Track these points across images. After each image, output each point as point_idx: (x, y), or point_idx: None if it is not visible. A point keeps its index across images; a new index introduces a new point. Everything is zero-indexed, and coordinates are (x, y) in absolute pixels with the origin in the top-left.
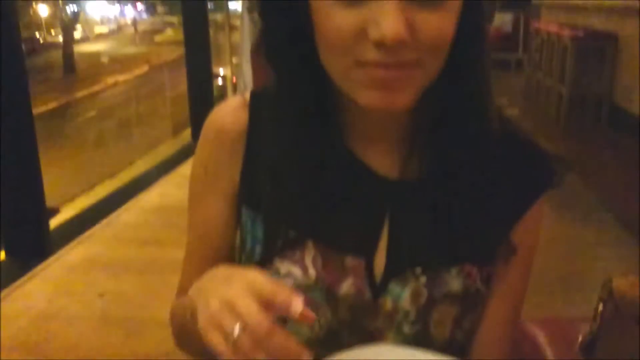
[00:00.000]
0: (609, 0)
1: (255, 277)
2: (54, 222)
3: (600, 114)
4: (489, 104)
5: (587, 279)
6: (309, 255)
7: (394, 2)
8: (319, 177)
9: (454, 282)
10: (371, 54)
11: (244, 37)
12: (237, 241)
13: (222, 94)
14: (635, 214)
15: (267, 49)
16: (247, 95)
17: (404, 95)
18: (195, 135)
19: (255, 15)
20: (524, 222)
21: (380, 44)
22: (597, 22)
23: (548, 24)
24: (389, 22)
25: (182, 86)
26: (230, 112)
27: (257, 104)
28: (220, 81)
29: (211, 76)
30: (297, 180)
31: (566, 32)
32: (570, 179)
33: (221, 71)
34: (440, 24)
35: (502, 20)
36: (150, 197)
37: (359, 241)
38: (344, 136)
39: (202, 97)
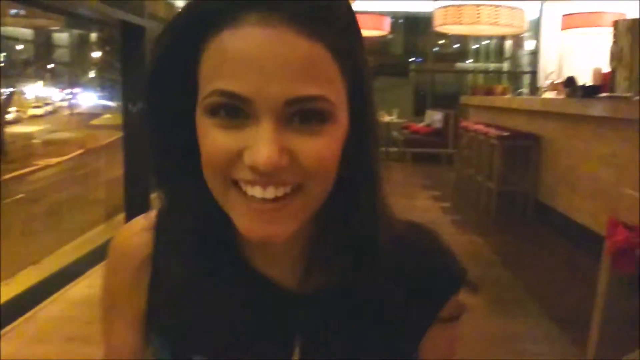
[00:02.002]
0: (530, 104)
1: None
2: None
3: (526, 209)
4: (379, 217)
5: None
6: None
7: (269, 129)
8: (223, 301)
9: None
10: (247, 175)
11: None
12: None
13: None
14: (564, 307)
15: (155, 164)
16: (153, 214)
17: (284, 226)
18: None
19: None
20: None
21: (254, 169)
22: (521, 123)
23: (475, 123)
24: (262, 149)
25: (117, 170)
26: (134, 235)
27: (162, 223)
28: None
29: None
30: (201, 305)
31: (492, 131)
32: (500, 273)
33: None
34: (319, 150)
35: (433, 117)
36: (78, 288)
37: None
38: (244, 254)
39: (139, 181)
